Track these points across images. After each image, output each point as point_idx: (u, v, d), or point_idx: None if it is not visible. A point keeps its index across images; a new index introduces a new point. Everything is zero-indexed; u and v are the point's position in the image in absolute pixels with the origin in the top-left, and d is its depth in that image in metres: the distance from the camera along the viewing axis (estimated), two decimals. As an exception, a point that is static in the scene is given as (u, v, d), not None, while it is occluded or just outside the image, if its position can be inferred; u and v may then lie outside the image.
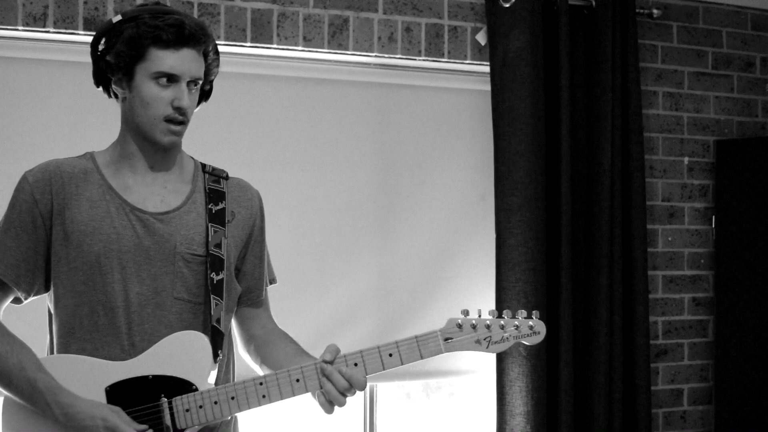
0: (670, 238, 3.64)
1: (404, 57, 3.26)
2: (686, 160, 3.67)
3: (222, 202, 1.95)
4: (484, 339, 1.78)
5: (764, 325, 3.48)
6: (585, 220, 3.39)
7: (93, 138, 2.95)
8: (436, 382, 3.54)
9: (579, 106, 3.39)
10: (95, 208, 1.87)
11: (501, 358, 3.26)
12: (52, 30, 2.85)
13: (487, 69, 3.32)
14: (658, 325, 3.61)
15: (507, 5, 3.26)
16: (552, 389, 3.28)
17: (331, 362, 1.83)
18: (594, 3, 3.39)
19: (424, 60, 3.29)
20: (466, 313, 1.82)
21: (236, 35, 3.03)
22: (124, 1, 2.91)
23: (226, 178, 2.00)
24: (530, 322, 1.82)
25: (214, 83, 2.01)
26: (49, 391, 1.78)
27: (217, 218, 1.93)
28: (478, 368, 3.38)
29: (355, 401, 3.26)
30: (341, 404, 1.81)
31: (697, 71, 3.69)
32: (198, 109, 1.97)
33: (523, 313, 1.83)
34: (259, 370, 1.97)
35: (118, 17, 1.86)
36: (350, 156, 3.28)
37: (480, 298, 3.40)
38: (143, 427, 1.79)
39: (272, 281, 2.11)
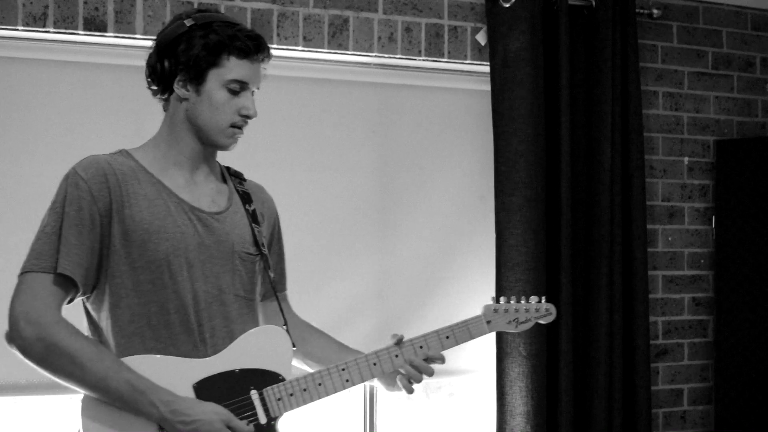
0: (670, 238, 3.64)
1: (404, 57, 3.26)
2: (686, 160, 3.67)
3: (252, 204, 2.05)
4: (513, 320, 2.15)
5: (764, 325, 3.48)
6: (585, 220, 3.39)
7: (92, 138, 2.97)
8: (436, 382, 3.54)
9: (579, 106, 3.39)
10: (155, 207, 1.88)
11: (501, 358, 3.26)
12: (52, 30, 2.85)
13: (487, 69, 3.32)
14: (658, 325, 3.61)
15: (507, 5, 3.26)
16: (552, 389, 3.28)
17: (400, 342, 2.04)
18: (594, 3, 3.39)
19: (424, 60, 3.29)
20: (496, 300, 2.16)
21: (236, 35, 3.03)
22: (124, 1, 2.91)
23: (245, 179, 2.11)
24: (545, 306, 2.17)
25: None
26: (151, 390, 1.78)
27: (254, 218, 2.03)
28: (478, 368, 3.38)
29: (355, 401, 3.26)
30: (419, 381, 2.05)
31: (697, 71, 3.69)
32: None
33: (535, 298, 2.18)
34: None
35: (190, 21, 1.91)
36: (350, 156, 3.28)
37: (480, 298, 3.38)
38: (250, 428, 1.85)
39: (281, 290, 2.21)
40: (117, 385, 1.77)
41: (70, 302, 1.86)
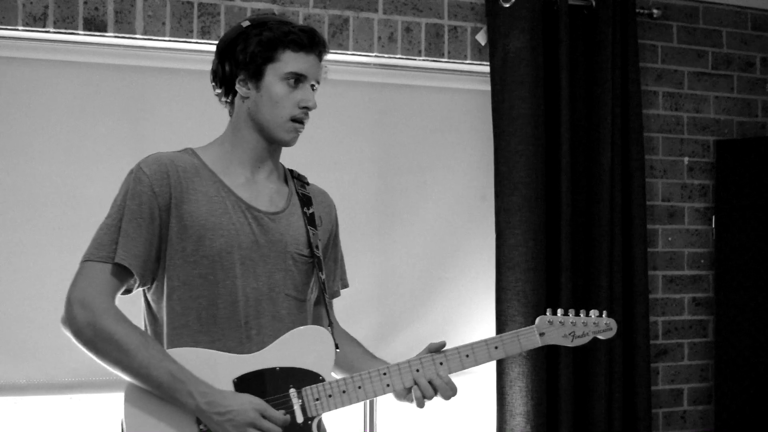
0: (670, 238, 3.64)
1: (404, 57, 3.26)
2: (686, 160, 3.68)
3: (311, 207, 2.08)
4: (569, 334, 2.06)
5: (764, 325, 3.48)
6: (585, 220, 3.39)
7: (92, 138, 2.97)
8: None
9: (579, 106, 3.39)
10: (213, 204, 1.93)
11: (501, 359, 3.26)
12: (52, 30, 2.85)
13: (487, 69, 3.32)
14: (658, 325, 3.61)
15: (507, 5, 3.26)
16: (552, 389, 3.28)
17: (440, 350, 2.01)
18: (594, 3, 3.39)
19: (424, 60, 3.29)
20: (553, 312, 2.07)
21: (236, 35, 3.03)
22: (124, 1, 2.91)
23: (308, 183, 2.14)
24: (605, 320, 2.08)
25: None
26: (191, 381, 1.83)
27: (311, 221, 2.06)
28: (478, 368, 3.37)
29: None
30: (448, 398, 2.01)
31: (697, 71, 3.69)
32: None
33: (595, 312, 2.08)
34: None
35: (247, 22, 1.98)
36: (350, 156, 3.28)
37: (480, 298, 3.40)
38: (286, 417, 1.86)
39: (344, 285, 2.23)
40: (158, 373, 1.82)
41: (126, 293, 1.94)
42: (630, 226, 3.41)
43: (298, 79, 1.96)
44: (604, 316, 2.09)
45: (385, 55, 3.24)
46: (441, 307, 3.35)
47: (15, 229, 2.87)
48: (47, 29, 2.85)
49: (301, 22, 3.11)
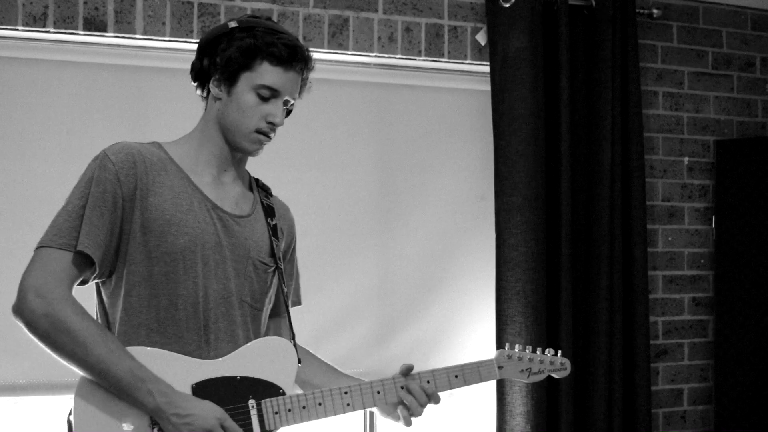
0: (670, 238, 3.64)
1: (404, 57, 3.26)
2: (686, 160, 3.67)
3: (274, 218, 2.05)
4: (526, 369, 2.10)
5: (764, 325, 3.48)
6: (585, 220, 3.39)
7: (92, 138, 2.97)
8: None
9: (579, 106, 3.39)
10: (178, 199, 1.89)
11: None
12: (52, 30, 2.85)
13: (487, 69, 3.32)
14: (658, 325, 3.61)
15: (507, 5, 3.26)
16: (552, 389, 3.27)
17: (405, 376, 2.00)
18: (594, 3, 3.39)
19: (424, 60, 3.29)
20: (511, 346, 2.11)
21: (236, 35, 3.03)
22: (124, 1, 2.91)
23: (272, 195, 2.11)
24: (560, 360, 2.13)
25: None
26: (151, 380, 1.78)
27: (275, 232, 2.02)
28: (478, 368, 3.38)
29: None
30: (419, 415, 2.00)
31: (697, 71, 3.69)
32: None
33: (551, 351, 2.14)
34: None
35: (234, 23, 1.94)
36: (350, 156, 3.28)
37: (480, 298, 3.40)
38: None
39: (297, 302, 2.19)
40: (117, 370, 1.76)
41: (82, 283, 1.86)
42: (630, 226, 3.41)
43: (270, 93, 1.92)
44: (559, 355, 2.14)
45: (385, 55, 3.24)
46: (441, 307, 3.35)
47: (15, 229, 2.87)
48: (47, 29, 2.85)
49: (301, 22, 3.11)
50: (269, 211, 2.04)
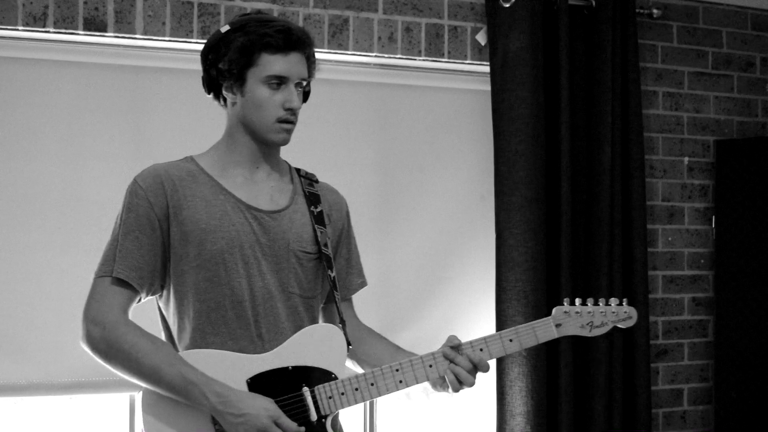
0: (670, 238, 3.64)
1: (404, 57, 3.26)
2: (686, 160, 3.68)
3: (319, 205, 2.08)
4: (587, 324, 2.01)
5: (764, 325, 3.48)
6: (585, 220, 3.39)
7: (92, 138, 2.97)
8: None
9: (579, 106, 3.39)
10: (211, 207, 1.96)
11: (501, 358, 3.25)
12: (52, 30, 2.85)
13: (487, 69, 3.32)
14: (658, 325, 3.61)
15: (507, 5, 3.26)
16: (552, 389, 3.28)
17: (457, 347, 1.99)
18: (594, 3, 3.39)
19: (424, 60, 3.29)
20: (570, 302, 2.04)
21: (236, 35, 3.03)
22: (124, 1, 2.91)
23: (317, 181, 2.14)
24: (625, 308, 2.05)
25: None
26: (203, 383, 1.85)
27: (319, 219, 2.06)
28: (478, 368, 3.38)
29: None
30: (471, 384, 2.00)
31: (697, 71, 3.69)
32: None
33: (615, 300, 2.05)
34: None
35: (226, 27, 1.97)
36: (350, 156, 3.27)
37: (480, 298, 3.40)
38: (300, 429, 1.87)
39: (363, 284, 2.26)
40: (169, 376, 1.85)
41: (139, 302, 1.97)
42: (630, 226, 3.41)
43: (279, 80, 1.95)
44: (624, 304, 2.05)
45: (385, 55, 3.24)
46: (441, 307, 3.35)
47: (15, 229, 2.87)
48: (47, 29, 2.85)
49: (301, 22, 3.11)
50: (312, 199, 2.08)
